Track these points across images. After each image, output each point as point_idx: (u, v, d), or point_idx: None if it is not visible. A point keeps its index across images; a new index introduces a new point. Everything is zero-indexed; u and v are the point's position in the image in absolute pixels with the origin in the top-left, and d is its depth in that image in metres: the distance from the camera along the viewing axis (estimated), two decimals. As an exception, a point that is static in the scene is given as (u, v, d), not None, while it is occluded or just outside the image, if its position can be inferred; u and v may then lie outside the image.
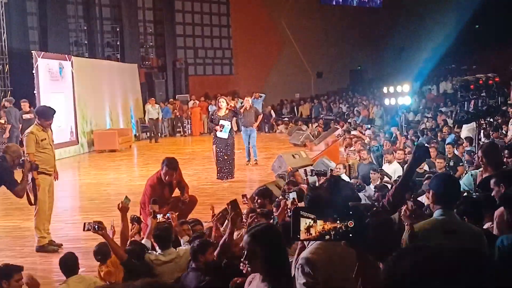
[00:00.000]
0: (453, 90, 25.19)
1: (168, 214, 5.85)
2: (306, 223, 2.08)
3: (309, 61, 32.76)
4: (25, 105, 15.64)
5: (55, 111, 7.81)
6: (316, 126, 22.60)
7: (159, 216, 5.77)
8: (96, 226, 4.88)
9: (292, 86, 31.56)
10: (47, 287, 6.09)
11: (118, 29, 24.64)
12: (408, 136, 15.02)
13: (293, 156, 12.40)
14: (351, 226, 2.05)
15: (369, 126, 20.42)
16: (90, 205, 10.59)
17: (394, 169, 10.53)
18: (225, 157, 12.21)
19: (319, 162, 11.68)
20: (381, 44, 33.63)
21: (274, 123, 25.80)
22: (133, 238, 5.98)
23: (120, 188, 12.34)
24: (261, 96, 22.60)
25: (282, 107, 30.34)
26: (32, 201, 6.40)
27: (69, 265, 5.28)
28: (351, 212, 2.06)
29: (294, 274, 3.07)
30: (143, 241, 5.21)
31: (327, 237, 2.06)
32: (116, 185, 12.88)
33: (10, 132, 15.55)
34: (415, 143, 12.73)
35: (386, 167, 10.83)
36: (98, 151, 18.81)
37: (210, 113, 15.18)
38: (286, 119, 27.24)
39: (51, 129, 7.80)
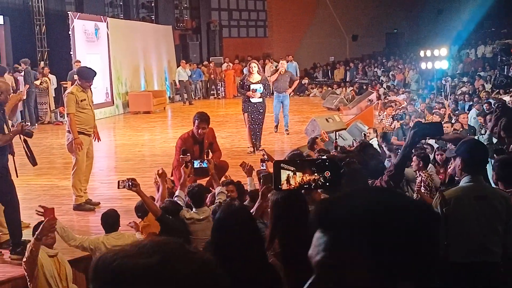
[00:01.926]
0: (493, 54, 24.63)
1: (205, 162, 5.84)
2: (286, 175, 2.26)
3: (344, 24, 32.26)
4: (77, 65, 15.30)
5: (95, 73, 7.92)
6: (351, 90, 22.41)
7: (196, 163, 5.79)
8: (130, 183, 4.97)
9: (326, 49, 31.22)
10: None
11: (153, -10, 24.61)
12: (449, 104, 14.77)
13: (326, 119, 12.35)
14: (328, 176, 2.21)
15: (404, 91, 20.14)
16: (125, 165, 10.77)
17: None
18: (258, 125, 11.33)
19: (353, 126, 11.64)
20: (418, 6, 32.84)
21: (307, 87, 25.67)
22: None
23: (154, 149, 12.52)
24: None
25: (315, 71, 30.11)
26: (33, 162, 6.34)
27: (110, 221, 5.48)
28: (327, 164, 2.23)
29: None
30: (176, 193, 5.30)
31: (306, 186, 2.24)
32: (150, 146, 13.06)
33: (29, 93, 15.43)
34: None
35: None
36: (132, 113, 19.04)
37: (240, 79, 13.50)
38: (319, 82, 27.05)
39: (90, 90, 7.92)
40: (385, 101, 16.37)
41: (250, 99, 11.17)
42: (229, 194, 5.65)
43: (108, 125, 16.54)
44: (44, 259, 4.95)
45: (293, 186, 2.27)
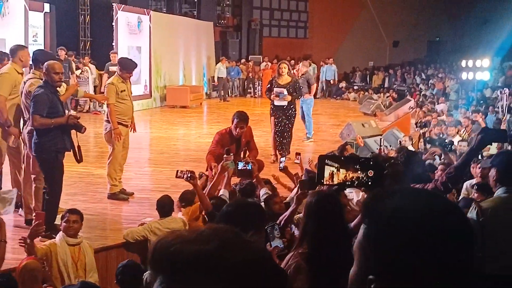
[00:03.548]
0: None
1: (249, 165, 5.90)
2: (330, 171, 2.29)
3: (386, 29, 31.97)
4: (114, 57, 15.63)
5: (136, 65, 8.02)
6: (388, 96, 22.22)
7: (241, 164, 5.88)
8: (189, 175, 5.07)
9: (366, 53, 30.99)
10: (116, 232, 6.38)
11: (196, -14, 24.79)
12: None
13: (362, 124, 12.27)
14: (371, 175, 2.22)
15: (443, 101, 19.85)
16: (159, 157, 10.89)
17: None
18: (285, 128, 10.60)
19: (389, 133, 11.55)
20: (462, 14, 32.32)
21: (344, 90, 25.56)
22: None
23: (189, 144, 12.63)
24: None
25: (354, 75, 29.92)
26: (79, 158, 6.39)
27: (165, 207, 5.89)
28: (371, 163, 2.25)
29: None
30: (221, 192, 5.36)
31: (348, 183, 2.27)
32: (185, 141, 13.18)
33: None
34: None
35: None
36: (169, 106, 19.22)
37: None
38: (357, 87, 26.88)
39: (130, 81, 8.02)
40: (424, 109, 16.17)
41: (274, 102, 10.57)
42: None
43: (144, 117, 16.73)
44: (60, 247, 5.07)
45: (335, 182, 2.30)
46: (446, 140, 9.50)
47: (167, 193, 6.36)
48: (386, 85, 27.47)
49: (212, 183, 5.70)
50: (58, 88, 6.19)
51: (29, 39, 13.95)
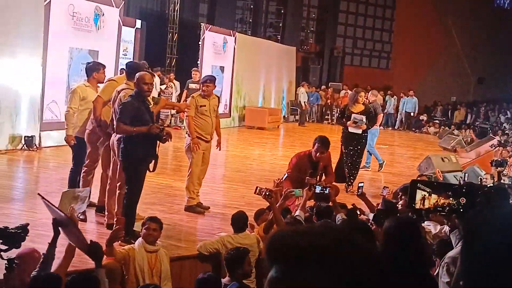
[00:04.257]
0: None
1: (327, 189, 5.93)
2: (422, 195, 2.27)
3: (471, 64, 31.23)
4: (195, 74, 15.91)
5: (215, 78, 8.28)
6: (469, 133, 21.63)
7: (318, 188, 5.91)
8: (268, 193, 5.16)
9: (448, 88, 30.34)
10: (190, 243, 6.51)
11: (282, 11, 25.16)
12: None
13: (442, 159, 12.01)
14: (463, 202, 2.19)
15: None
16: (235, 175, 11.05)
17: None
18: (357, 157, 10.41)
19: (470, 169, 11.23)
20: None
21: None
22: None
23: (264, 164, 12.74)
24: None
25: (435, 108, 29.33)
26: (153, 168, 6.58)
27: (240, 222, 5.96)
28: (464, 190, 2.22)
29: (438, 271, 3.07)
30: (296, 212, 5.40)
31: (439, 209, 2.25)
32: (260, 161, 13.30)
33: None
34: None
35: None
36: (247, 127, 19.49)
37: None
38: (437, 121, 26.32)
39: (219, 99, 8.22)
40: (508, 149, 15.62)
41: (348, 128, 10.30)
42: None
43: (223, 136, 16.89)
44: (139, 253, 5.22)
45: (427, 207, 2.30)
46: None
47: (241, 209, 6.48)
48: (468, 121, 26.76)
49: (300, 207, 5.75)
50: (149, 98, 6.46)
51: (120, 53, 14.55)
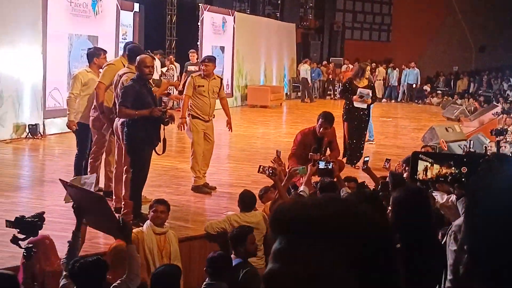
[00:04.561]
0: None
1: (330, 164, 5.94)
2: (424, 165, 2.30)
3: (472, 33, 30.98)
4: (193, 56, 15.89)
5: (215, 58, 8.31)
6: (473, 102, 21.57)
7: (322, 164, 5.92)
8: (271, 171, 5.19)
9: (450, 58, 30.13)
10: (198, 224, 6.57)
11: (280, -12, 24.99)
12: None
13: (446, 129, 12.01)
14: (464, 172, 2.22)
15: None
16: (240, 154, 11.09)
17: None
18: (361, 132, 10.34)
19: (474, 138, 11.25)
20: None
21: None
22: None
23: (268, 142, 12.76)
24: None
25: (437, 79, 29.20)
26: (162, 151, 6.61)
27: (247, 201, 6.00)
28: (465, 159, 2.24)
29: (446, 239, 3.10)
30: (301, 188, 5.43)
31: (442, 179, 2.27)
32: (265, 139, 13.34)
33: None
34: None
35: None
36: (250, 106, 19.49)
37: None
38: (440, 91, 26.22)
39: (222, 82, 8.21)
40: (507, 116, 15.58)
41: (354, 103, 10.09)
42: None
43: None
44: (147, 235, 5.26)
45: (429, 177, 2.32)
46: None
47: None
48: (471, 90, 26.66)
49: (305, 183, 5.76)
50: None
51: (120, 37, 14.51)
